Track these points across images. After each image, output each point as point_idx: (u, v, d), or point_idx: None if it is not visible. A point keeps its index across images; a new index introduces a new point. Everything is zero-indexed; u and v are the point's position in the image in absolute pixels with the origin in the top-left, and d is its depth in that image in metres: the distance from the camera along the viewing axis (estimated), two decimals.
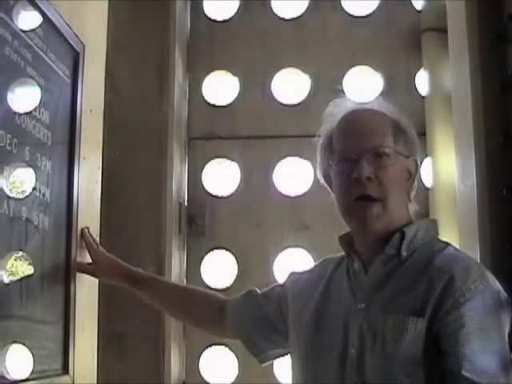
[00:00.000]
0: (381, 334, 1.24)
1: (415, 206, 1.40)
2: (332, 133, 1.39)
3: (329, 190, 1.41)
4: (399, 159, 1.33)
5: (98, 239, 1.83)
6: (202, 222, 2.66)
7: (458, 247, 1.39)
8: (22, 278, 1.42)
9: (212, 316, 1.64)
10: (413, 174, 1.38)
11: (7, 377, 1.33)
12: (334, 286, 1.40)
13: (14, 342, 1.37)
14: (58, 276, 1.63)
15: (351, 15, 2.75)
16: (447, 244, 1.34)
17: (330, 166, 1.38)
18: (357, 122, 1.36)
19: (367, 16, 2.74)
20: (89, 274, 1.74)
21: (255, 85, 2.75)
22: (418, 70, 2.68)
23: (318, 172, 1.44)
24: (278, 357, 1.57)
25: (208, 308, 1.66)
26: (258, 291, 1.59)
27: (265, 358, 1.56)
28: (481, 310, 1.19)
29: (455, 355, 1.17)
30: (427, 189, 2.58)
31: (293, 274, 1.56)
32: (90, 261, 1.75)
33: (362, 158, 1.30)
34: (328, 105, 1.43)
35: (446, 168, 2.43)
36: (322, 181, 1.43)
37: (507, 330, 1.22)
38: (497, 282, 1.24)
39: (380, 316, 1.25)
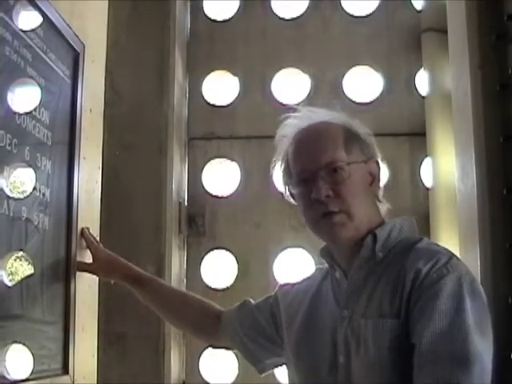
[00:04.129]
0: (363, 338, 1.24)
1: (386, 204, 1.39)
2: (287, 155, 1.40)
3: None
4: (356, 168, 1.32)
5: (97, 239, 1.83)
6: (202, 222, 2.66)
7: (457, 246, 1.38)
8: (22, 278, 1.42)
9: (207, 324, 1.66)
10: (376, 176, 1.37)
11: (7, 377, 1.33)
12: (322, 296, 1.42)
13: (14, 342, 1.37)
14: (58, 276, 1.64)
15: (351, 15, 2.75)
16: (421, 238, 1.32)
17: (290, 190, 1.40)
18: (307, 141, 1.36)
19: (367, 16, 2.74)
20: (89, 272, 1.74)
21: (255, 85, 2.74)
22: (418, 70, 2.68)
23: (284, 193, 1.44)
24: (276, 366, 1.58)
25: (204, 316, 1.67)
26: (252, 302, 1.60)
27: (263, 367, 1.57)
28: (443, 296, 1.17)
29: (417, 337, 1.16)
30: (427, 189, 2.58)
31: (282, 285, 1.57)
32: (90, 261, 1.75)
33: (318, 177, 1.30)
34: (279, 127, 1.42)
35: (446, 168, 2.43)
36: (291, 200, 1.43)
37: (479, 308, 1.18)
38: (464, 267, 1.22)
39: (361, 321, 1.26)
